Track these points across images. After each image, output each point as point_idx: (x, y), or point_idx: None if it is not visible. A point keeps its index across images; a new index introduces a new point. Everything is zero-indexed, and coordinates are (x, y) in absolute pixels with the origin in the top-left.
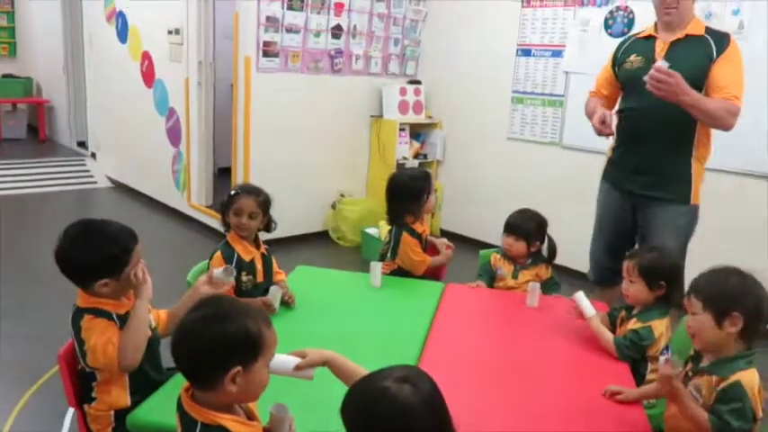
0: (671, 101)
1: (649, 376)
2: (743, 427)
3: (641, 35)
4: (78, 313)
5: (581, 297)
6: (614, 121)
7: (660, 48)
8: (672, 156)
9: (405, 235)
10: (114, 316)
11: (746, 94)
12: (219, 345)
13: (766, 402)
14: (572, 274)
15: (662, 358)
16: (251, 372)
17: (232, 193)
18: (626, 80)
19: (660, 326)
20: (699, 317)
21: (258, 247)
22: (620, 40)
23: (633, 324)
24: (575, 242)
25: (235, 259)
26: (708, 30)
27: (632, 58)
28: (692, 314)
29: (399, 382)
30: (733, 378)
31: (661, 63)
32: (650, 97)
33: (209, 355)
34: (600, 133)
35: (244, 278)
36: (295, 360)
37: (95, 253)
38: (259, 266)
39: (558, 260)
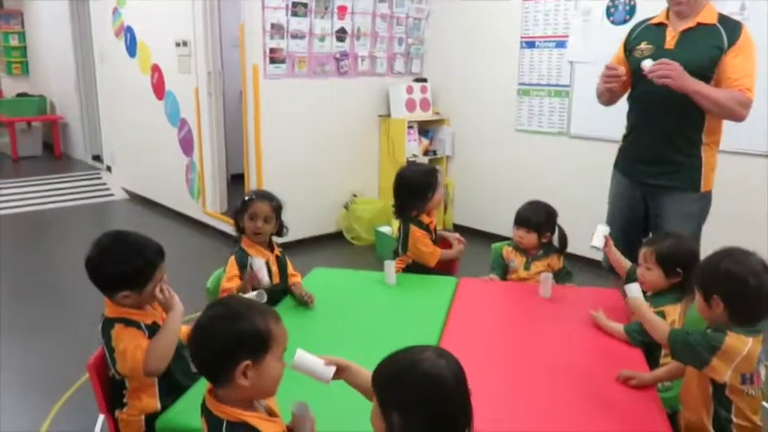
0: (675, 88)
1: (663, 360)
2: (698, 344)
3: (653, 21)
4: (108, 323)
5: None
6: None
7: (671, 36)
8: (680, 144)
9: (413, 228)
10: (143, 326)
11: None
12: (229, 340)
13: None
14: (585, 261)
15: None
16: (261, 365)
17: (246, 198)
18: (635, 68)
19: (673, 312)
20: (697, 298)
21: (272, 251)
22: (621, 27)
23: None
24: (585, 230)
25: (248, 264)
26: (721, 18)
27: (642, 45)
28: (696, 292)
29: (435, 356)
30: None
31: (645, 63)
32: (658, 85)
33: (219, 350)
34: (606, 83)
35: None
36: (320, 361)
37: (118, 265)
38: (274, 269)
39: (571, 249)
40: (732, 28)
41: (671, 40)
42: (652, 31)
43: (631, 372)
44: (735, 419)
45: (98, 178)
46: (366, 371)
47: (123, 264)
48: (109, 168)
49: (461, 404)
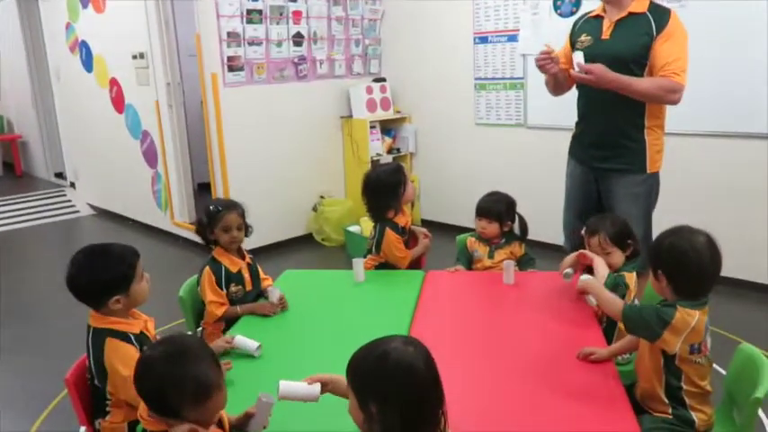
0: (598, 87)
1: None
2: (650, 319)
3: (592, 14)
4: (99, 335)
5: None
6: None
7: (606, 26)
8: (624, 129)
9: (388, 231)
10: (133, 338)
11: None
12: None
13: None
14: (546, 246)
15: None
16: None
17: (212, 210)
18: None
19: (630, 278)
20: (650, 274)
21: (243, 258)
22: (569, 19)
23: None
24: (546, 217)
25: (223, 273)
26: (651, 6)
27: (583, 37)
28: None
29: (403, 344)
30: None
31: (575, 56)
32: None
33: (163, 393)
34: (542, 66)
35: (233, 289)
36: (303, 383)
37: (105, 273)
38: (246, 276)
39: (532, 235)
40: (660, 15)
41: (606, 30)
42: (591, 24)
43: (591, 348)
44: (684, 386)
45: (62, 195)
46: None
47: (109, 271)
48: (73, 185)
49: (433, 388)
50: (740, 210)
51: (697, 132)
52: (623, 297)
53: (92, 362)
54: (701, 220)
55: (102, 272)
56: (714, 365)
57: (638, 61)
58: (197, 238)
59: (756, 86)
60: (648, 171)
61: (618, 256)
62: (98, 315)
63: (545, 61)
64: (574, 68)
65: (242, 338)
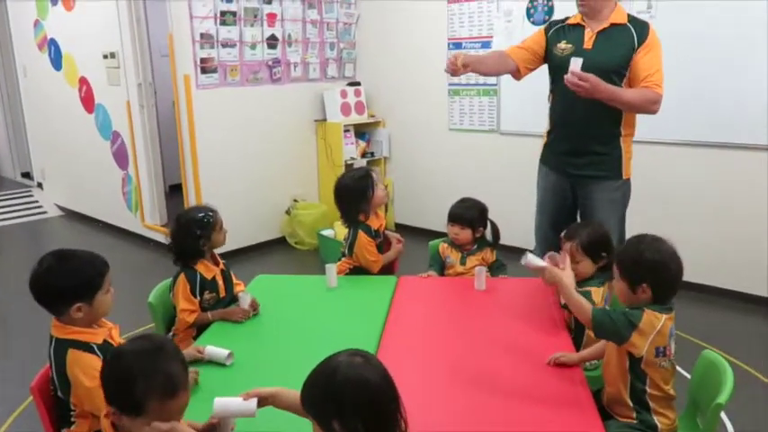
0: (588, 97)
1: (586, 339)
2: (619, 322)
3: (570, 22)
4: (60, 346)
5: (534, 260)
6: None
7: (588, 37)
8: (602, 137)
9: (360, 234)
10: (95, 348)
11: None
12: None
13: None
14: (518, 251)
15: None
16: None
17: (202, 218)
18: (557, 66)
19: (597, 294)
20: (618, 283)
21: (217, 264)
22: (542, 27)
23: None
24: (518, 221)
25: (198, 280)
26: (630, 18)
27: (562, 44)
28: (616, 280)
29: (350, 356)
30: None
31: (573, 62)
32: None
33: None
34: (449, 69)
35: (207, 296)
36: (238, 399)
37: (71, 277)
38: (220, 282)
39: (504, 239)
40: (641, 27)
41: (588, 40)
42: (571, 31)
43: (560, 353)
44: (649, 390)
45: (29, 196)
46: (293, 392)
47: (74, 275)
48: (40, 185)
49: (387, 391)
50: (706, 216)
51: (663, 141)
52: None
53: (54, 373)
54: (668, 226)
55: (70, 275)
56: (679, 369)
57: (618, 71)
58: (168, 241)
59: (723, 97)
60: (624, 177)
61: (586, 266)
62: (60, 324)
63: (449, 67)
64: (567, 75)
65: (212, 348)
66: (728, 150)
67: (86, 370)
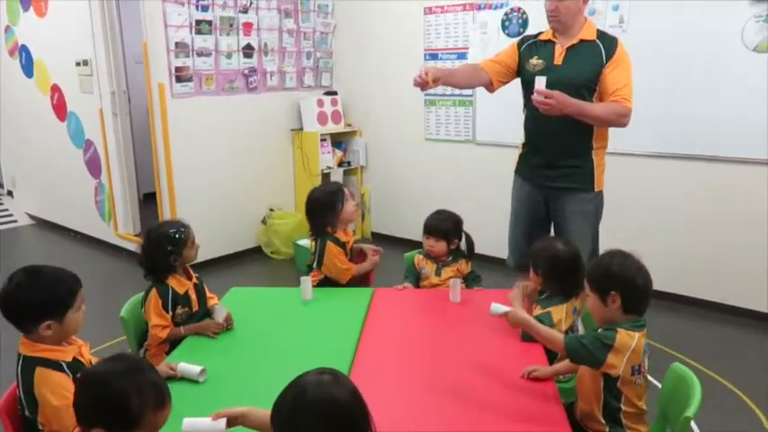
0: (557, 114)
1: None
2: (592, 346)
3: (542, 38)
4: (28, 364)
5: (497, 308)
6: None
7: (559, 53)
8: (574, 150)
9: (329, 244)
10: (64, 366)
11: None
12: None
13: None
14: (493, 261)
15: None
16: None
17: (174, 234)
18: (528, 82)
19: (559, 312)
20: (590, 298)
21: (190, 278)
22: (517, 39)
23: (536, 311)
24: (493, 231)
25: (170, 295)
26: (599, 34)
27: (534, 60)
28: (587, 296)
29: (319, 375)
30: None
31: (538, 81)
32: None
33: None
34: (418, 83)
35: (179, 311)
36: (207, 419)
37: (42, 293)
38: (193, 297)
39: (480, 249)
40: (609, 43)
41: (559, 56)
42: (542, 48)
43: (533, 366)
44: (623, 407)
45: None
46: (264, 411)
47: (45, 292)
48: (10, 193)
49: (357, 406)
50: (676, 226)
51: (634, 153)
52: None
53: (21, 392)
54: (637, 237)
55: (40, 292)
56: (651, 379)
57: (588, 86)
58: (139, 254)
59: (694, 109)
60: (596, 189)
61: (539, 283)
62: (29, 342)
63: (418, 84)
64: (533, 95)
65: (185, 365)
66: (697, 162)
67: (54, 389)
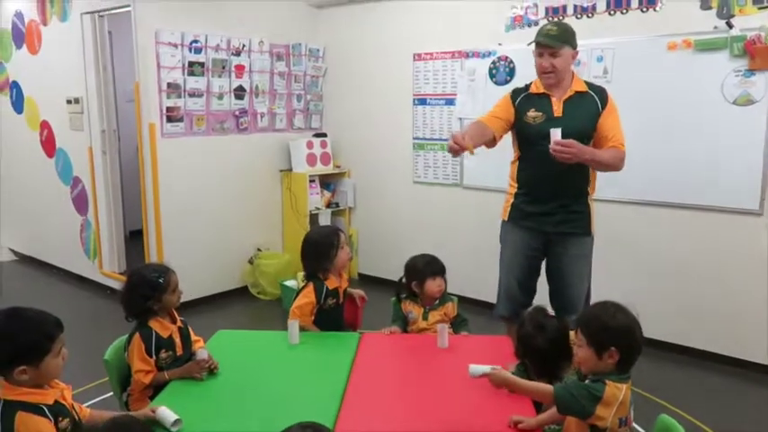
0: (573, 162)
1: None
2: (581, 397)
3: (534, 91)
4: (9, 408)
5: (476, 370)
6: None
7: (556, 105)
8: (575, 195)
9: (307, 287)
10: (45, 410)
11: None
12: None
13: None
14: (480, 304)
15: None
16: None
17: (154, 279)
18: (529, 134)
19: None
20: (583, 349)
21: (175, 322)
22: (504, 87)
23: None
24: (481, 274)
25: (154, 340)
26: (588, 85)
27: (533, 112)
28: (579, 346)
29: (302, 429)
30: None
31: (553, 132)
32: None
33: None
34: (451, 149)
35: (163, 355)
36: None
37: (11, 340)
38: (178, 341)
39: (466, 293)
40: (601, 93)
41: (557, 108)
42: (538, 101)
43: (519, 416)
44: None
45: None
46: None
47: (16, 338)
48: None
49: None
50: (658, 273)
51: (622, 200)
52: None
53: None
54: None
55: (14, 336)
56: (636, 426)
57: (588, 135)
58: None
59: (674, 157)
60: (591, 233)
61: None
62: (9, 385)
63: (453, 152)
64: (551, 144)
65: (163, 411)
66: (680, 210)
67: None
